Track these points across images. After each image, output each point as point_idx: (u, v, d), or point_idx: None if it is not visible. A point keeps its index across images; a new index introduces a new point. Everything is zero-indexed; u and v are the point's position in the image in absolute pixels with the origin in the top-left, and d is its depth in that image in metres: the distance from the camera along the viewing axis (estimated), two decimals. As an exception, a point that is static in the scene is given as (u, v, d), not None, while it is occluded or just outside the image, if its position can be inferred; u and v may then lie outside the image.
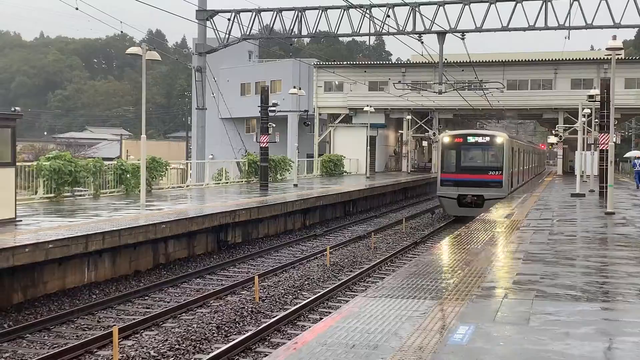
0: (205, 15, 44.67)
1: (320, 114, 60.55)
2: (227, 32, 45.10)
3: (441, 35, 43.24)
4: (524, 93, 56.13)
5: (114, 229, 15.99)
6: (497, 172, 30.94)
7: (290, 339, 10.36)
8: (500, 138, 31.71)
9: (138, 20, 78.98)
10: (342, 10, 43.40)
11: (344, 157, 52.16)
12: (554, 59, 55.87)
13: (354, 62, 68.98)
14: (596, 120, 35.88)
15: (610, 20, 39.60)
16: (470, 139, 31.79)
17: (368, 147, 49.10)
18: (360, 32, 45.51)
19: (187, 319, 13.34)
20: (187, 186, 31.87)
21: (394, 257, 21.49)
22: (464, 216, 29.55)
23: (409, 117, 58.89)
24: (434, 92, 46.82)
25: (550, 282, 10.34)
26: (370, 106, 47.99)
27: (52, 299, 14.35)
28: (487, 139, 31.82)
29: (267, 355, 10.96)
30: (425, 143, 70.58)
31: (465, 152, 31.92)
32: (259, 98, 34.38)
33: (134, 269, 17.49)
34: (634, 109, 53.72)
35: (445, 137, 32.66)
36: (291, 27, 44.83)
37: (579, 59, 56.70)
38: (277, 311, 14.14)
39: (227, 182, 35.18)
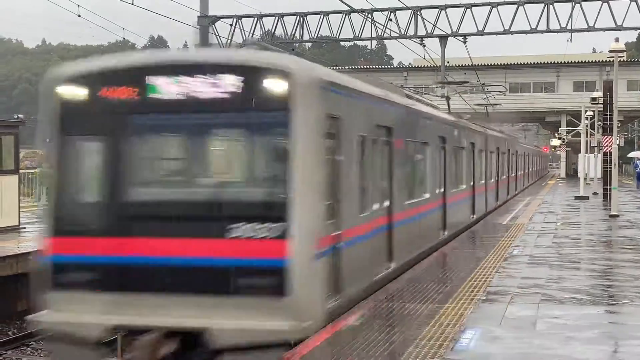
0: (207, 21, 44.70)
1: (322, 119, 60.48)
2: (229, 38, 45.15)
3: (443, 38, 43.20)
4: (526, 96, 56.09)
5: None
6: (273, 224, 7.15)
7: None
8: (282, 83, 7.22)
9: (140, 27, 79.02)
10: (344, 15, 43.39)
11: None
12: (556, 62, 55.87)
13: (356, 67, 68.95)
14: (599, 122, 35.84)
15: (612, 22, 39.54)
16: (164, 84, 7.38)
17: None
18: (362, 37, 45.48)
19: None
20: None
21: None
22: None
23: (412, 121, 58.75)
24: (437, 95, 46.75)
25: (555, 285, 10.30)
26: (373, 110, 47.88)
27: (56, 306, 14.29)
28: (229, 81, 7.30)
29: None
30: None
31: (144, 147, 7.94)
32: (262, 103, 34.30)
33: (138, 276, 17.41)
34: (636, 110, 53.71)
35: (62, 86, 7.80)
36: (293, 32, 44.83)
37: (581, 61, 56.68)
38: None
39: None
